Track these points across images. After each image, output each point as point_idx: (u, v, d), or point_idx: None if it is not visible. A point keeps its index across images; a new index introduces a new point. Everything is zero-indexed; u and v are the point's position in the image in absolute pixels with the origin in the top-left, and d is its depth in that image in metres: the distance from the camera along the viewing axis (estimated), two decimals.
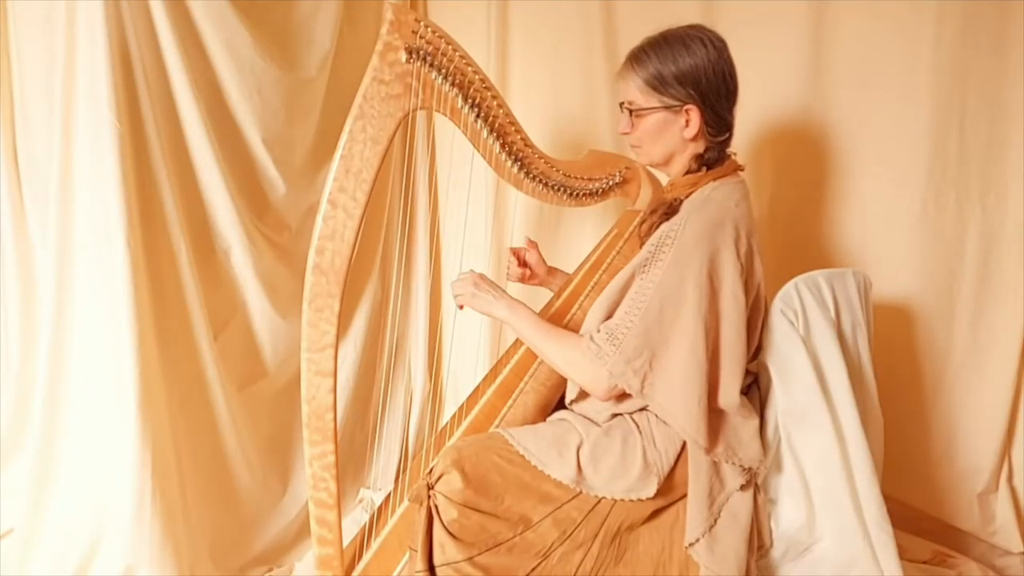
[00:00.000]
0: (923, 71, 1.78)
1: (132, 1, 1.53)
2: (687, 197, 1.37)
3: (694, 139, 1.36)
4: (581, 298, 1.55)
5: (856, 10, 1.82)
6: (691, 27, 1.34)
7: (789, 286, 1.37)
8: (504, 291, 1.42)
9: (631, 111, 1.37)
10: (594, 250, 1.66)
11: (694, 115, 1.33)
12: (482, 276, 1.43)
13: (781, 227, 2.01)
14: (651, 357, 1.25)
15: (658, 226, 1.36)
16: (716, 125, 1.35)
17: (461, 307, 1.44)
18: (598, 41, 2.08)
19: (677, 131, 1.35)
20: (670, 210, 1.38)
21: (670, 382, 1.24)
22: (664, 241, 1.29)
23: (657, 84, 1.32)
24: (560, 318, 1.54)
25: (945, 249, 1.84)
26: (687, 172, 1.39)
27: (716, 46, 1.32)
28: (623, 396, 1.32)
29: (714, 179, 1.36)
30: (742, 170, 1.41)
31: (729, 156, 1.40)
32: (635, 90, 1.35)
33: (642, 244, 1.38)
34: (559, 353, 1.35)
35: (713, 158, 1.37)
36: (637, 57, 1.35)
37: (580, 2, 2.09)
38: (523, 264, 1.72)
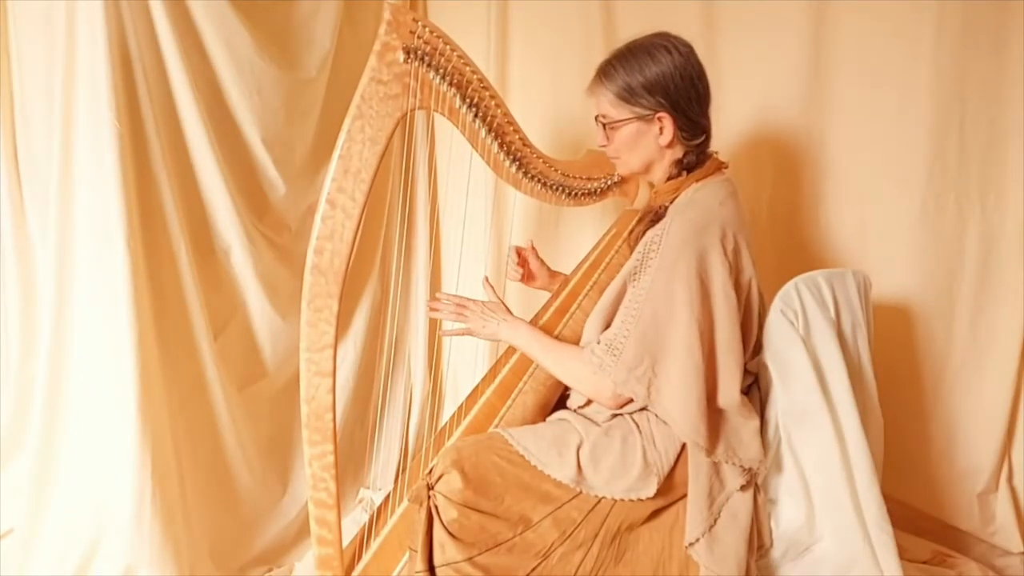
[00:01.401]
0: (923, 71, 1.78)
1: (132, 1, 1.53)
2: (672, 202, 1.38)
3: (670, 146, 1.36)
4: (580, 297, 1.55)
5: (856, 10, 1.81)
6: (656, 35, 1.35)
7: (789, 286, 1.37)
8: (506, 311, 1.45)
9: (605, 124, 1.38)
10: (593, 249, 1.66)
11: (667, 122, 1.33)
12: (486, 304, 1.46)
13: (781, 227, 2.01)
14: (653, 363, 1.25)
15: (644, 234, 1.37)
16: (690, 130, 1.35)
17: (471, 332, 1.47)
18: (598, 41, 2.07)
19: (652, 139, 1.36)
20: (656, 217, 1.39)
21: (671, 384, 1.25)
22: (650, 247, 1.30)
23: (627, 95, 1.33)
24: (559, 316, 1.54)
25: (945, 249, 1.84)
26: (668, 178, 1.40)
27: (682, 52, 1.32)
28: (629, 402, 1.33)
29: (696, 180, 1.37)
30: (726, 167, 1.42)
31: (710, 156, 1.40)
32: (606, 104, 1.36)
33: (632, 252, 1.39)
34: (563, 367, 1.38)
35: (692, 162, 1.38)
36: (605, 71, 1.36)
37: (580, 2, 2.09)
38: (523, 263, 1.72)
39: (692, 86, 1.33)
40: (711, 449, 1.27)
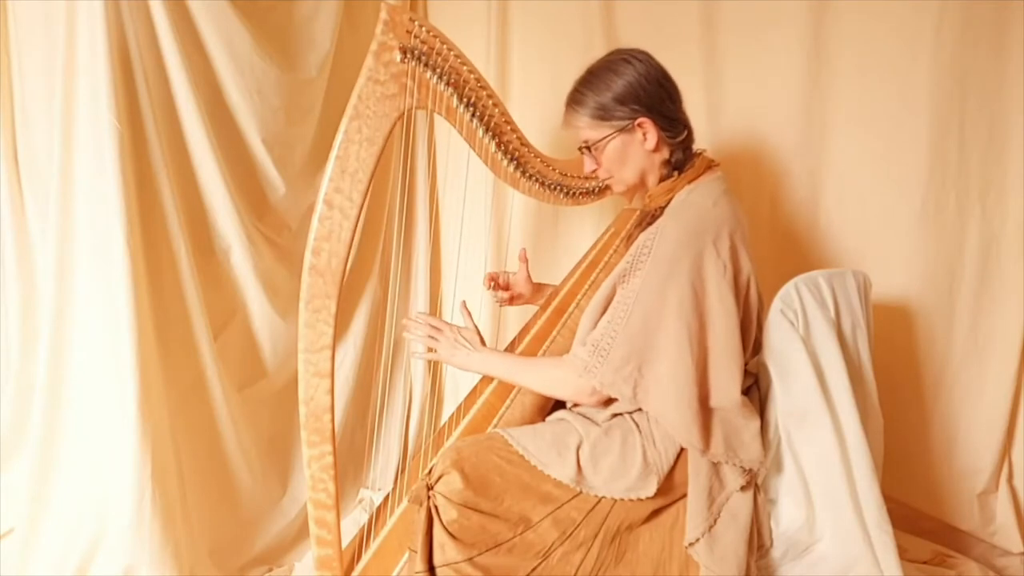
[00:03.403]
0: (923, 71, 1.78)
1: (132, 1, 1.53)
2: (667, 204, 1.38)
3: (657, 149, 1.37)
4: (578, 297, 1.56)
5: (856, 10, 1.81)
6: (611, 53, 1.38)
7: (789, 286, 1.37)
8: (480, 341, 1.43)
9: (589, 149, 1.39)
10: (591, 248, 1.66)
11: (648, 126, 1.34)
12: (460, 330, 1.44)
13: (781, 227, 2.01)
14: (639, 364, 1.26)
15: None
16: (672, 128, 1.36)
17: (440, 359, 1.44)
18: (598, 41, 2.08)
19: (638, 147, 1.37)
20: (652, 220, 1.39)
21: (660, 386, 1.25)
22: (642, 250, 1.30)
23: (602, 114, 1.35)
24: (558, 316, 1.54)
25: (945, 249, 1.84)
26: (661, 179, 1.40)
27: (640, 59, 1.35)
28: (611, 399, 1.33)
29: (689, 182, 1.37)
30: (717, 165, 1.42)
31: (699, 154, 1.41)
32: (585, 128, 1.37)
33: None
34: (542, 378, 1.38)
35: (681, 159, 1.38)
36: (574, 98, 1.38)
37: (580, 2, 2.09)
38: (503, 288, 1.70)
39: (660, 86, 1.34)
40: (706, 448, 1.27)
